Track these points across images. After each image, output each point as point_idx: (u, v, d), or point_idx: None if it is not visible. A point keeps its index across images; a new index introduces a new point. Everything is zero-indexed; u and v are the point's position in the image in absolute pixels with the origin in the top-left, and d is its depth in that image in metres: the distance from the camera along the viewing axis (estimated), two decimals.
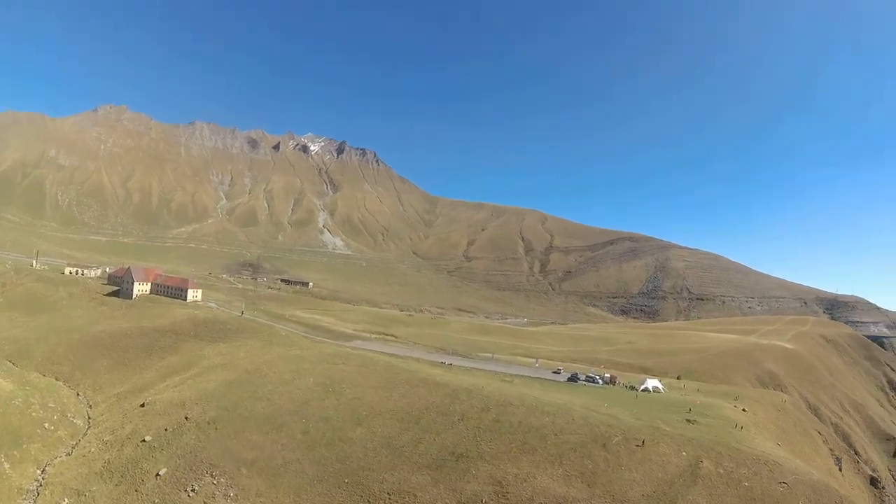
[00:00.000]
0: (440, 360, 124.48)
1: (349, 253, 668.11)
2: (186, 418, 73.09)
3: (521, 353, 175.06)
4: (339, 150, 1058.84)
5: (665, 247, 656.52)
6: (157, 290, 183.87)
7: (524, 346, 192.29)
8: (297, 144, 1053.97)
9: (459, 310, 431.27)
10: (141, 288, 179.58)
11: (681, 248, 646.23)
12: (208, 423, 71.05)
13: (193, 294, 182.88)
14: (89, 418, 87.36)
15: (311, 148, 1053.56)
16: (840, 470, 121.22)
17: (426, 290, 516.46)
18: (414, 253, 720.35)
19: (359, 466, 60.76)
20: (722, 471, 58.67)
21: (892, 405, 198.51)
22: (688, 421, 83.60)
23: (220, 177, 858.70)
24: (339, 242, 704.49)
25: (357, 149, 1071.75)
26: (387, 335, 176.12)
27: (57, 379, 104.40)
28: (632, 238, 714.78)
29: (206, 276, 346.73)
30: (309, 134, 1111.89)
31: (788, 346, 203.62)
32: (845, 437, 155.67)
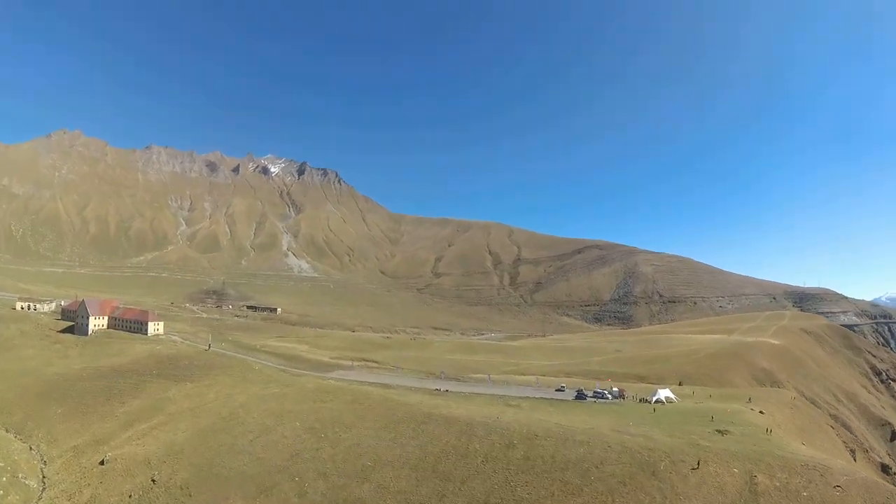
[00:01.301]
0: (435, 387, 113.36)
1: (316, 275, 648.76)
2: (153, 481, 59.90)
3: (513, 370, 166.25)
4: (301, 171, 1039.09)
5: (632, 252, 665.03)
6: (115, 324, 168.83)
7: (514, 363, 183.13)
8: (257, 166, 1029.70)
9: (434, 328, 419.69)
10: (97, 322, 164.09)
11: (647, 252, 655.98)
12: (180, 489, 58.14)
13: (155, 327, 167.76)
14: (44, 478, 72.93)
15: (272, 169, 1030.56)
16: (855, 461, 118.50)
17: (397, 309, 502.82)
18: (381, 272, 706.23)
19: None
20: (778, 483, 53.62)
21: (877, 390, 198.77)
22: (718, 431, 77.44)
23: (179, 202, 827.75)
24: (304, 265, 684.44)
25: (318, 169, 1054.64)
26: (368, 361, 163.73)
27: (7, 430, 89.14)
28: (598, 246, 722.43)
29: (168, 305, 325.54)
30: (269, 155, 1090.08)
31: (775, 341, 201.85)
32: (847, 428, 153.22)
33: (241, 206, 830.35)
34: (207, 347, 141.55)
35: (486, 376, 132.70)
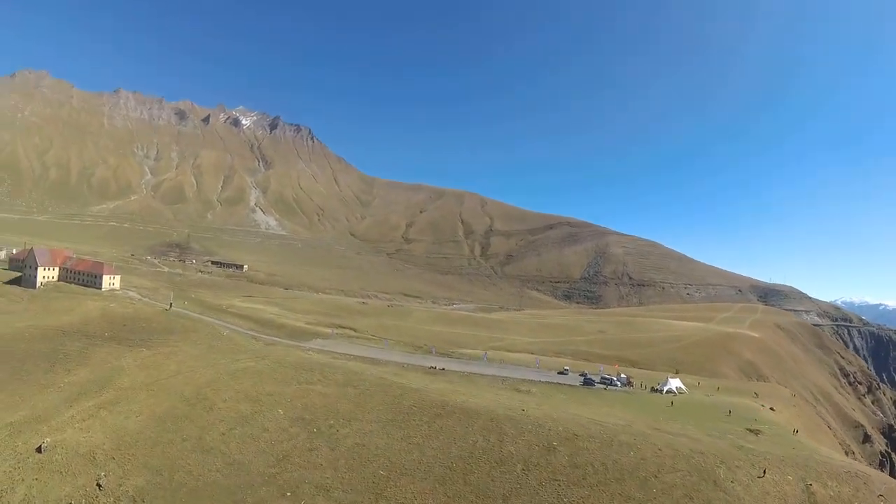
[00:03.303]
0: (429, 365, 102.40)
1: (283, 233, 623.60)
2: (99, 486, 46.02)
3: (501, 346, 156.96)
4: (273, 126, 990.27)
5: (603, 233, 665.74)
6: (67, 276, 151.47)
7: (499, 339, 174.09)
8: (228, 118, 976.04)
9: (405, 295, 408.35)
10: (46, 274, 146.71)
11: (619, 234, 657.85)
12: (133, 502, 44.55)
13: (110, 281, 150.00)
14: None
15: (243, 122, 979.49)
16: None
17: (368, 273, 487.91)
18: (351, 234, 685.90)
19: None
20: (831, 493, 49.68)
21: (846, 392, 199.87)
22: (750, 431, 73.08)
23: (145, 150, 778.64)
24: (272, 222, 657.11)
25: (291, 125, 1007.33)
26: (346, 329, 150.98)
27: None
28: (570, 223, 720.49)
29: (128, 258, 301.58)
30: (241, 107, 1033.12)
31: (755, 334, 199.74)
32: (830, 427, 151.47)
33: (209, 158, 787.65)
34: (168, 307, 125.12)
35: (482, 354, 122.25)
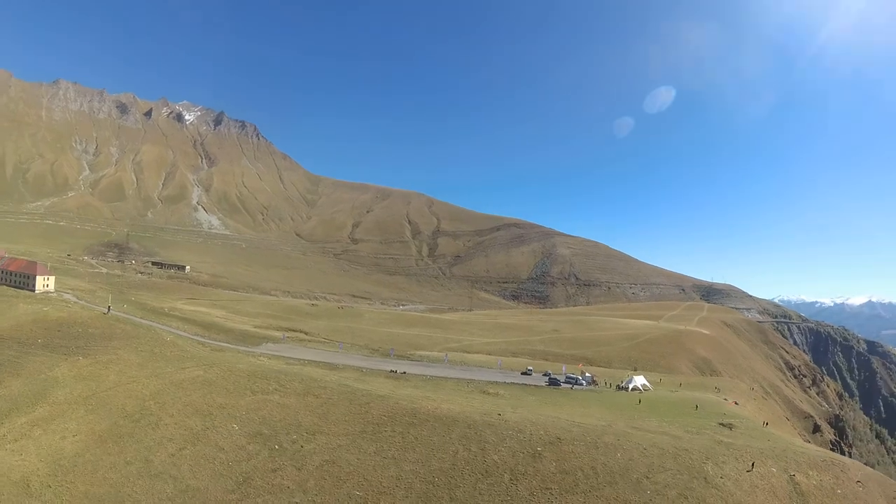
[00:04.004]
0: (389, 369, 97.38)
1: (227, 233, 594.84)
2: None
3: (458, 348, 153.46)
4: (217, 122, 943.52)
5: (549, 234, 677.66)
6: None
7: (456, 340, 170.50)
8: (172, 112, 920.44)
9: (354, 296, 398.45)
10: None
11: (565, 235, 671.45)
12: None
13: (44, 282, 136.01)
14: None
15: (187, 117, 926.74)
16: None
17: (315, 274, 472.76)
18: (297, 234, 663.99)
19: None
20: (814, 482, 50.60)
21: (793, 384, 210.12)
22: (723, 425, 73.50)
23: (84, 145, 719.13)
24: (215, 221, 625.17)
25: (236, 121, 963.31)
26: (297, 332, 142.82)
27: None
28: (517, 224, 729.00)
29: (64, 258, 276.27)
30: (185, 102, 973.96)
31: (705, 331, 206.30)
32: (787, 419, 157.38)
33: (150, 154, 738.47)
34: (107, 310, 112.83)
35: (443, 356, 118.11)
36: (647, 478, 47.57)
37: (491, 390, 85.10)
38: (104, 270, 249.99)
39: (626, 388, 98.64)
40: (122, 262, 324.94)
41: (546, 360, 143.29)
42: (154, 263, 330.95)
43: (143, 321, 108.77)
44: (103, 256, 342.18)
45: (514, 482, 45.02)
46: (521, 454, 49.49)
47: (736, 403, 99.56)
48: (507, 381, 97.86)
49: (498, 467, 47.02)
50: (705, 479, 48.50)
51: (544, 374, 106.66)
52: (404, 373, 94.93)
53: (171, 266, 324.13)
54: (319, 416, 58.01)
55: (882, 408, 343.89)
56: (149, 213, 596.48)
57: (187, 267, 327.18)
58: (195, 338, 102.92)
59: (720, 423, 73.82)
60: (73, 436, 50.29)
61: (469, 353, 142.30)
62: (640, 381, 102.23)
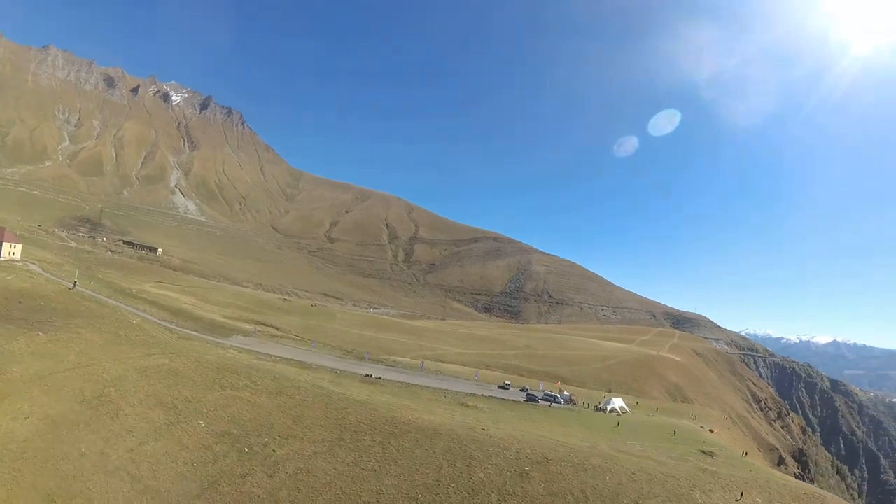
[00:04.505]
0: (364, 373, 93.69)
1: (202, 219, 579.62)
2: None
3: (432, 356, 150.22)
4: (204, 106, 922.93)
5: (526, 250, 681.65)
6: None
7: (430, 348, 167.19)
8: (159, 91, 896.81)
9: (326, 295, 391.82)
10: None
11: (541, 252, 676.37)
12: None
13: (10, 250, 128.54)
14: None
15: (173, 98, 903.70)
16: None
17: (288, 269, 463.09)
18: (273, 227, 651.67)
19: None
20: None
21: (759, 416, 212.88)
22: (704, 452, 72.40)
23: (66, 114, 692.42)
24: (191, 206, 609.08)
25: (223, 107, 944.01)
26: (269, 327, 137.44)
27: None
28: (495, 238, 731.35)
29: (34, 228, 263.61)
30: (173, 82, 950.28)
31: (677, 358, 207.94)
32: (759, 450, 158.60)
33: (133, 131, 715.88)
34: (72, 285, 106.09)
35: (419, 363, 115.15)
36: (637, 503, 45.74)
37: (469, 403, 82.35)
38: (74, 245, 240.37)
39: (605, 410, 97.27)
40: (94, 238, 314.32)
41: (520, 375, 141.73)
42: (126, 243, 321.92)
43: (109, 300, 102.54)
44: (74, 230, 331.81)
45: (503, 503, 42.30)
46: (509, 473, 46.88)
47: (712, 431, 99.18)
48: (485, 394, 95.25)
49: (485, 486, 44.27)
50: None
51: (521, 390, 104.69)
52: (380, 378, 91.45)
53: (142, 247, 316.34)
54: (293, 418, 54.26)
55: (842, 445, 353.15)
56: (125, 191, 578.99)
57: (159, 249, 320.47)
58: (163, 323, 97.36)
59: (701, 451, 72.88)
60: (25, 418, 45.27)
61: (443, 362, 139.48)
62: (618, 403, 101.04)
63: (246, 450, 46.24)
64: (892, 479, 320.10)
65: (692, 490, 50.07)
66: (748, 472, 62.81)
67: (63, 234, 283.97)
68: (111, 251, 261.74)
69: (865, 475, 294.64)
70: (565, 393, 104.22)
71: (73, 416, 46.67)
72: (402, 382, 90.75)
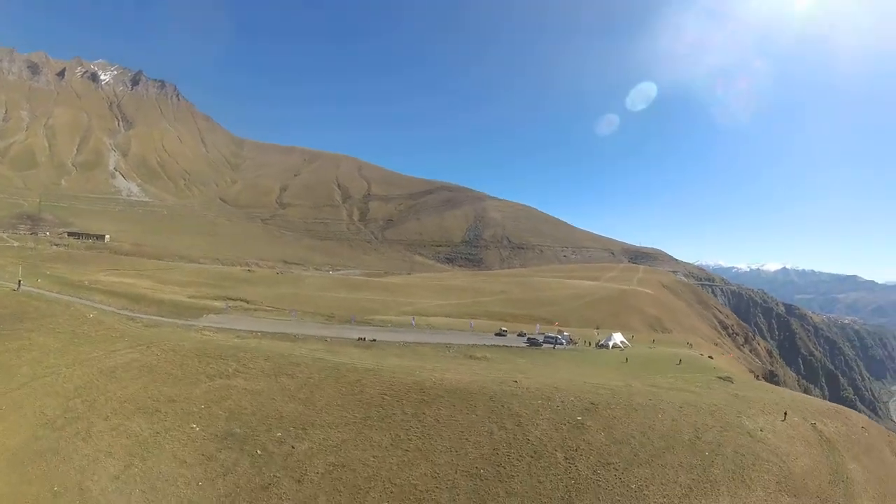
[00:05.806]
0: (357, 336, 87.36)
1: (147, 200, 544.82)
2: None
3: (412, 311, 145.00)
4: (135, 82, 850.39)
5: (481, 198, 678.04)
6: None
7: (408, 303, 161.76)
8: (86, 72, 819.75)
9: (286, 262, 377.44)
10: None
11: (496, 199, 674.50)
12: None
13: None
14: None
15: (102, 77, 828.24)
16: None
17: (243, 240, 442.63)
18: (221, 199, 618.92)
19: None
20: (832, 429, 48.99)
21: (728, 342, 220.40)
22: (721, 379, 70.33)
23: None
24: (134, 188, 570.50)
25: (155, 81, 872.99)
26: (238, 301, 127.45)
27: None
28: (449, 188, 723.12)
29: None
30: (100, 60, 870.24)
31: (649, 291, 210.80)
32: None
33: (63, 118, 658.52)
34: (16, 286, 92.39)
35: (410, 320, 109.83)
36: (699, 438, 42.63)
37: (477, 354, 77.89)
38: (15, 244, 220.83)
39: (607, 346, 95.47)
40: (36, 234, 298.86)
41: (504, 320, 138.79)
42: (70, 234, 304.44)
43: (60, 296, 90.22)
44: (14, 229, 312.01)
45: (571, 461, 37.72)
46: (564, 426, 42.30)
47: (711, 357, 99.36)
48: (486, 343, 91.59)
49: (545, 446, 39.45)
50: (749, 433, 44.83)
51: (519, 334, 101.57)
52: (374, 340, 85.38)
53: (88, 236, 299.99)
54: (303, 402, 47.13)
55: (801, 366, 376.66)
56: (63, 181, 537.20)
57: (107, 236, 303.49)
58: (123, 312, 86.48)
59: (718, 377, 71.35)
60: None
61: (425, 315, 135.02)
62: (618, 338, 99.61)
63: (259, 452, 38.89)
64: (852, 396, 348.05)
65: (738, 416, 48.04)
66: (772, 395, 62.02)
67: (3, 235, 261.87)
68: (56, 245, 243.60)
69: (826, 394, 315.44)
70: (565, 333, 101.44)
71: (37, 445, 37.69)
72: (399, 342, 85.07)
